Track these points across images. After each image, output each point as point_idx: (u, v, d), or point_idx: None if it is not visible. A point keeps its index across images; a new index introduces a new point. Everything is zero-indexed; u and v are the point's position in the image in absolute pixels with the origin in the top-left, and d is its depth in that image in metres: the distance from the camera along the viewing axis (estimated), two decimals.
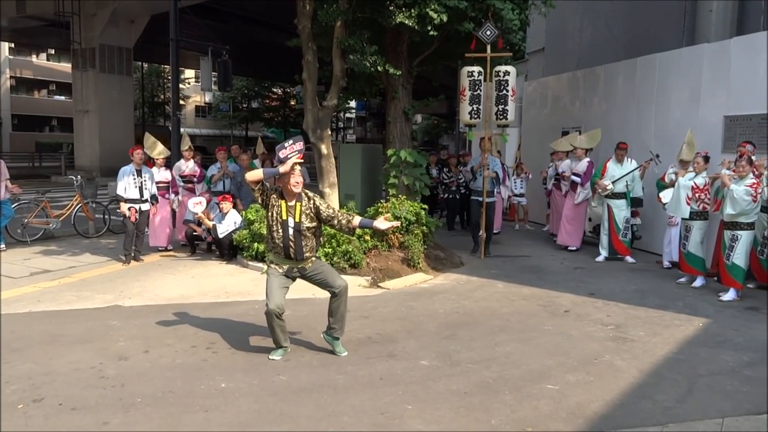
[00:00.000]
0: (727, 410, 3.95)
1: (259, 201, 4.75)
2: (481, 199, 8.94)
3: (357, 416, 3.82)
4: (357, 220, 4.76)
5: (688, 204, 7.06)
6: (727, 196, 6.59)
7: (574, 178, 9.63)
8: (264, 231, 7.70)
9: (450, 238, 10.40)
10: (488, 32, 8.18)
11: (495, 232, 10.11)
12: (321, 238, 5.19)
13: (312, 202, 4.71)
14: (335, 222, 4.73)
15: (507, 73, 8.50)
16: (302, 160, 4.62)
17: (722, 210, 6.72)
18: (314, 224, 4.72)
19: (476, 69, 8.45)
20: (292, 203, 4.67)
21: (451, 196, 11.84)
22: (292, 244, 4.65)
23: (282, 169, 4.57)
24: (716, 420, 3.82)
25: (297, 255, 4.69)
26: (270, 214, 4.69)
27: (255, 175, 4.60)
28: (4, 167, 9.19)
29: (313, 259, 4.84)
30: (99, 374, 4.42)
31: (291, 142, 4.70)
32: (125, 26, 24.94)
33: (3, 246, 9.02)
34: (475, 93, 8.50)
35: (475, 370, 4.57)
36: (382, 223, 4.75)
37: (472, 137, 9.06)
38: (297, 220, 4.64)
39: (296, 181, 4.61)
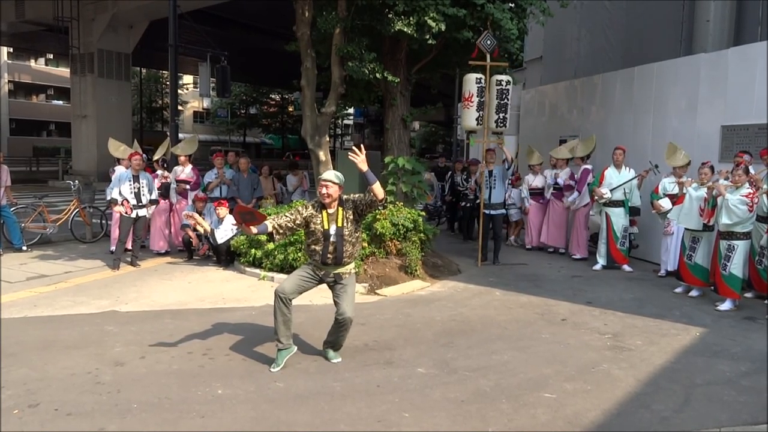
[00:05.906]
0: (724, 420, 3.95)
1: (305, 230, 4.76)
2: (492, 212, 9.08)
3: (353, 424, 3.80)
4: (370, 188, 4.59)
5: (701, 215, 7.05)
6: (722, 206, 6.59)
7: (571, 183, 9.68)
8: (263, 238, 7.72)
9: (452, 245, 10.41)
10: (488, 41, 8.26)
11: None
12: (360, 246, 5.12)
13: (349, 202, 4.74)
14: (364, 202, 4.67)
15: (509, 82, 8.59)
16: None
17: (717, 220, 6.72)
18: (355, 227, 4.74)
19: (481, 76, 8.47)
20: (333, 210, 4.69)
21: (469, 204, 11.23)
22: (332, 249, 4.65)
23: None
24: (713, 430, 3.82)
25: (337, 260, 4.69)
26: (312, 229, 4.69)
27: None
28: (6, 173, 9.18)
29: (352, 271, 4.84)
30: (95, 380, 4.41)
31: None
32: (124, 31, 25.00)
33: (0, 251, 8.99)
34: (482, 99, 8.53)
35: (472, 378, 4.56)
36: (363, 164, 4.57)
37: (473, 143, 9.08)
38: (339, 225, 4.66)
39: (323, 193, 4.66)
